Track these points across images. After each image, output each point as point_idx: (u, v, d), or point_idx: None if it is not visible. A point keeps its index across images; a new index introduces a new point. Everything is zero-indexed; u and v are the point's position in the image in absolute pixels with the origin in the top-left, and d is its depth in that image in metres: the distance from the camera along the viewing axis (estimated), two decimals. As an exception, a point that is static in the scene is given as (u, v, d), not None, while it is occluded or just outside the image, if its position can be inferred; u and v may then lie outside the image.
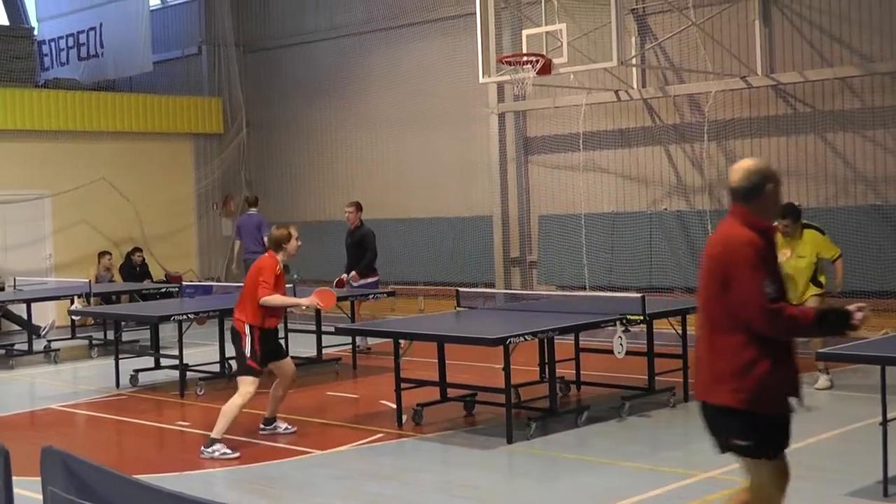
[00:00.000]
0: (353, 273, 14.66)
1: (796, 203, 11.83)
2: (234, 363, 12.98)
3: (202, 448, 8.95)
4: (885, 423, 7.00)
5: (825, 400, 10.39)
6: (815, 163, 14.78)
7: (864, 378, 10.55)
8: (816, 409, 10.00)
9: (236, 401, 9.00)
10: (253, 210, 18.16)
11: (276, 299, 9.12)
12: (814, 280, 10.95)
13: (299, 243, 9.48)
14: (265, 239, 17.00)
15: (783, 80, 14.73)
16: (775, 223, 10.70)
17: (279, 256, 9.31)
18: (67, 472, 3.79)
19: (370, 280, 14.84)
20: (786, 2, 14.90)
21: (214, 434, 8.94)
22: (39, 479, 4.25)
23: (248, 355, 9.08)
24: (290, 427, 9.78)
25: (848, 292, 14.14)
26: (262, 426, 9.74)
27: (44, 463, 4.02)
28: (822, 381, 10.89)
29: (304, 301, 9.48)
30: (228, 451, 8.88)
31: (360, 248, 14.99)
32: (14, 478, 3.96)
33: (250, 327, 9.11)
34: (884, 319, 13.82)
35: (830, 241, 11.19)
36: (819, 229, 11.14)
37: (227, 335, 12.64)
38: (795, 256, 10.92)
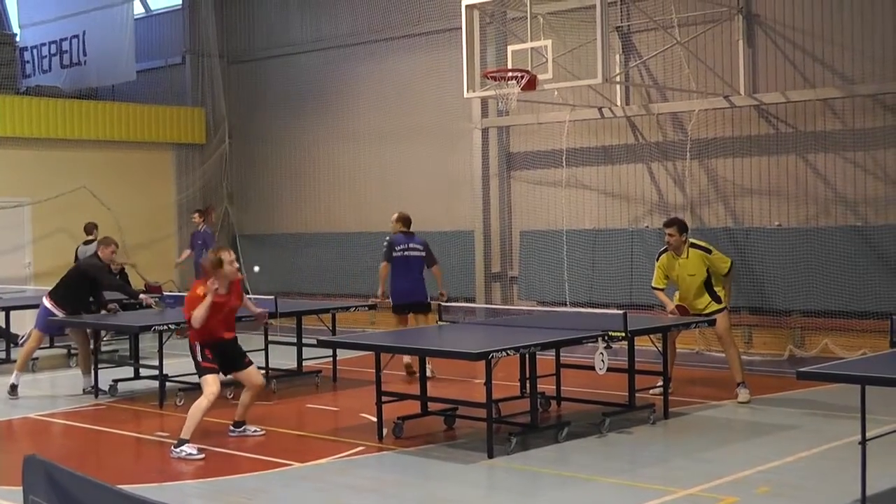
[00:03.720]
0: None
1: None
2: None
3: (171, 448, 9.29)
4: (864, 441, 7.03)
5: (805, 419, 10.43)
6: (797, 183, 14.87)
7: (842, 398, 10.59)
8: (796, 427, 10.04)
9: (201, 402, 9.35)
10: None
11: (196, 312, 9.31)
12: (712, 295, 11.39)
13: (233, 267, 9.63)
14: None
15: (766, 100, 14.82)
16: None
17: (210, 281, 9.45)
18: (50, 481, 3.77)
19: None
20: (769, 23, 15.01)
21: (183, 435, 9.28)
22: (18, 488, 4.21)
23: (200, 358, 9.47)
24: (258, 430, 10.07)
25: (827, 312, 14.27)
26: (231, 428, 10.00)
27: (26, 472, 3.99)
28: (743, 394, 11.14)
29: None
30: (194, 451, 9.16)
31: None
32: (-6, 487, 3.93)
33: (198, 341, 9.54)
34: (862, 340, 13.89)
35: (722, 257, 11.62)
36: (706, 249, 11.54)
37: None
38: (686, 275, 11.32)
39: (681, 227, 11.50)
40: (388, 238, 13.81)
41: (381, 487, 8.35)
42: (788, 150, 14.91)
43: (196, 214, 19.07)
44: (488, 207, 17.78)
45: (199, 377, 9.55)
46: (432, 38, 18.53)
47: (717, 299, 11.38)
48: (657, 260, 11.71)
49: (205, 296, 9.35)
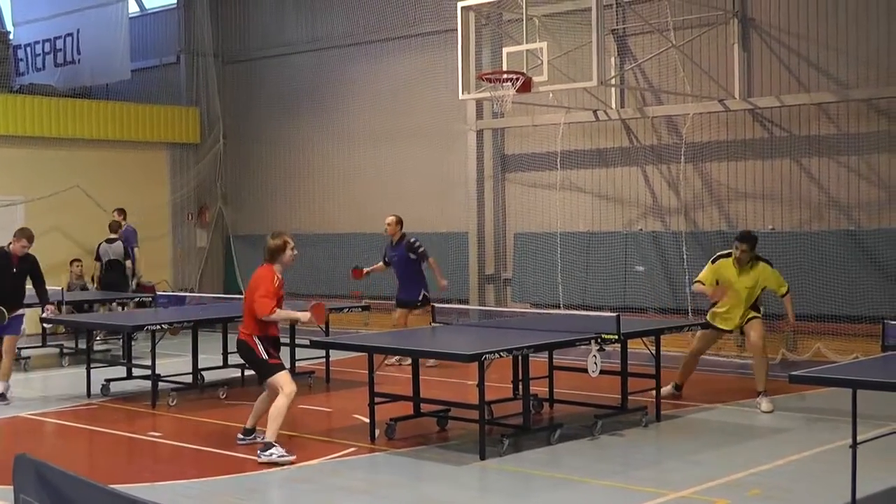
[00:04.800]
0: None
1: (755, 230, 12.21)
2: (203, 374, 12.96)
3: (258, 452, 8.95)
4: (854, 445, 7.04)
5: (796, 423, 10.45)
6: (790, 187, 14.89)
7: (834, 402, 10.61)
8: (788, 430, 10.06)
9: (282, 401, 9.02)
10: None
11: (277, 315, 9.17)
12: (753, 307, 11.43)
13: (294, 252, 9.49)
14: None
15: (760, 104, 14.84)
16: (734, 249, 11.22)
17: (276, 267, 9.36)
18: (41, 480, 3.76)
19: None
20: (765, 27, 15.03)
21: (268, 438, 8.95)
22: (9, 487, 4.20)
23: (267, 357, 9.17)
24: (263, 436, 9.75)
25: (819, 316, 14.29)
26: (240, 436, 9.67)
27: (16, 471, 3.98)
28: (766, 404, 11.00)
29: (302, 316, 9.46)
30: (284, 452, 8.90)
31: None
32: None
33: (258, 338, 9.19)
34: (854, 344, 13.91)
35: (780, 276, 11.60)
36: (769, 262, 11.55)
37: (201, 346, 12.68)
38: (744, 287, 11.33)
39: (753, 244, 11.34)
40: (417, 239, 14.86)
41: (373, 488, 8.35)
42: (783, 154, 14.94)
43: (115, 213, 18.90)
44: (483, 209, 17.78)
45: (268, 377, 9.14)
46: (428, 40, 18.53)
47: (757, 309, 11.44)
48: (713, 262, 11.54)
49: (278, 287, 9.19)
